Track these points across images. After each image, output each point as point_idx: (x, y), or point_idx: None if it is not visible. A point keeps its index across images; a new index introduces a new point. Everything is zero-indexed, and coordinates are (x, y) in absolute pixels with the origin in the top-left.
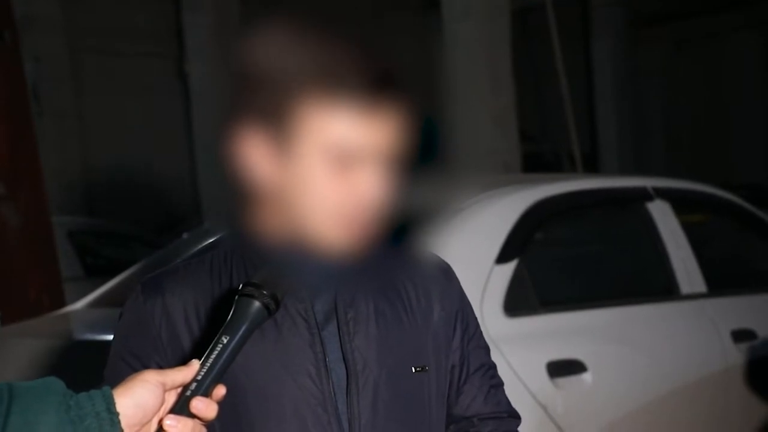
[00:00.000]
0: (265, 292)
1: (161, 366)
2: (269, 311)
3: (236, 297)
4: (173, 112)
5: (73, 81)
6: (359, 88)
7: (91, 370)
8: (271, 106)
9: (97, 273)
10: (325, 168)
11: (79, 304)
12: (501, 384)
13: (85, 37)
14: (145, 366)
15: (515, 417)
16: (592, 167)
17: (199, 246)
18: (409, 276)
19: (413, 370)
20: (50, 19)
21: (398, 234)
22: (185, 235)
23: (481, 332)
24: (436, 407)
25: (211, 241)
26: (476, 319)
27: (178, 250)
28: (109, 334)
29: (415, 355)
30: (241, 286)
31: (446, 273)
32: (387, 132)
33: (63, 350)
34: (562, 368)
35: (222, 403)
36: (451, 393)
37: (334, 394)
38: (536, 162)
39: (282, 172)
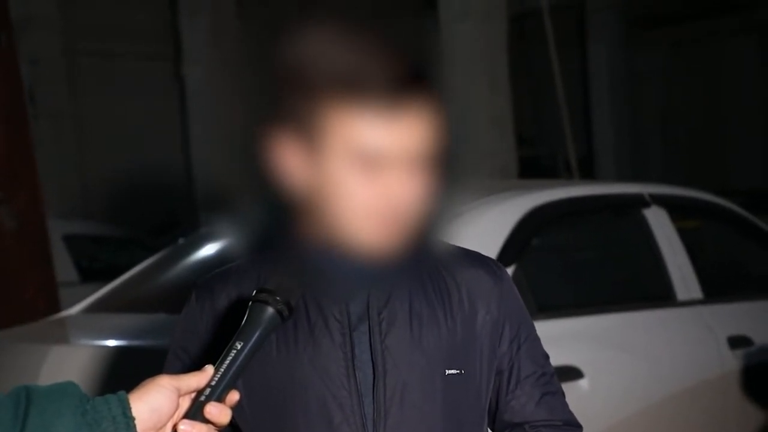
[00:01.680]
0: (278, 298)
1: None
2: (282, 317)
3: (250, 303)
4: (170, 114)
5: (69, 82)
6: (379, 90)
7: (87, 376)
8: (299, 111)
9: (92, 278)
10: (354, 170)
11: (74, 309)
12: (557, 391)
13: (81, 38)
14: (193, 360)
15: (573, 425)
16: (588, 172)
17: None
18: (455, 277)
19: (446, 373)
20: (46, 20)
21: (434, 234)
22: (181, 240)
23: (536, 337)
24: (472, 411)
25: (259, 243)
26: (532, 325)
27: (175, 256)
28: (105, 339)
29: (451, 358)
30: (254, 292)
31: (496, 276)
32: (412, 132)
33: (58, 356)
34: (558, 375)
35: (253, 400)
36: (500, 398)
37: (360, 395)
38: (533, 166)
39: (315, 177)
